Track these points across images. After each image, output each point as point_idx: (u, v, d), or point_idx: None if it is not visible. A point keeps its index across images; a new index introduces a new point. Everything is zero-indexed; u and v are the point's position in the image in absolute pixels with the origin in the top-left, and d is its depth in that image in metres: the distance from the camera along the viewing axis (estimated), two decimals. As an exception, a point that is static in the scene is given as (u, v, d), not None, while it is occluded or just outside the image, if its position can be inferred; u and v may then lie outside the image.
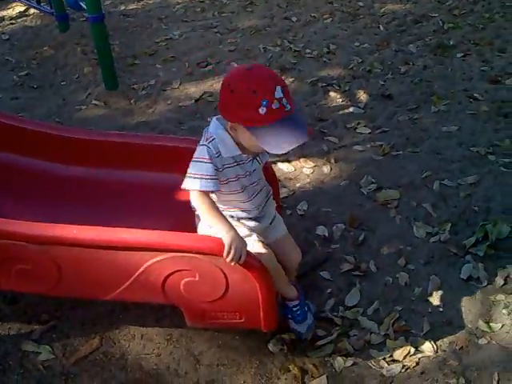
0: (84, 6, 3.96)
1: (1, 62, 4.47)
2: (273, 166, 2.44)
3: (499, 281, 2.18)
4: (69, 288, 1.92)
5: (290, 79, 3.81)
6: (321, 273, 2.30)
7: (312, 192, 2.78)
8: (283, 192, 2.72)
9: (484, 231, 2.34)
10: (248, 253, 1.72)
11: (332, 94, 3.66)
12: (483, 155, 2.91)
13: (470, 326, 2.03)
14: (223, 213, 1.80)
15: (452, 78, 3.75)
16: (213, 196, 1.80)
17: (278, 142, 1.63)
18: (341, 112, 3.46)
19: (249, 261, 1.72)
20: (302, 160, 2.99)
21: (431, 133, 3.16)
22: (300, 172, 2.93)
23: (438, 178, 2.75)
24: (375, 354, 1.97)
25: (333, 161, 2.99)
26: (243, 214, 1.88)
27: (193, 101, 3.70)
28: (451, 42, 4.25)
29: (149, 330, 2.09)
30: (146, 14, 5.26)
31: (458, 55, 4.04)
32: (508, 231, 2.34)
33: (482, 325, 2.03)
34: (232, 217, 1.86)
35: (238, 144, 1.75)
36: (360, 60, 4.08)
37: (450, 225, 2.45)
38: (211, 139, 1.74)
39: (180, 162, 2.23)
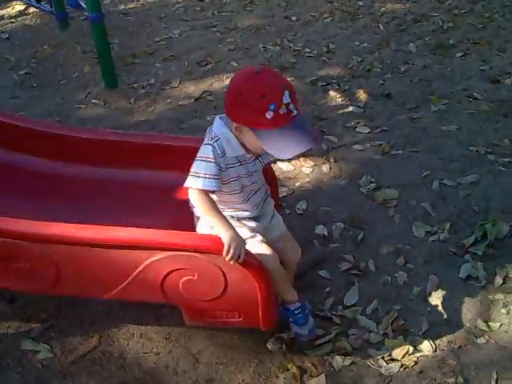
0: (84, 5, 3.95)
1: (0, 61, 4.47)
2: (272, 165, 2.44)
3: (498, 280, 2.18)
4: (67, 287, 1.92)
5: (290, 78, 3.81)
6: (320, 272, 2.30)
7: (311, 191, 2.78)
8: (282, 191, 2.72)
9: (483, 231, 2.34)
10: (247, 252, 1.72)
11: (331, 93, 3.66)
12: (482, 155, 2.91)
13: (468, 325, 2.03)
14: (224, 213, 1.80)
15: (451, 77, 3.75)
16: (213, 196, 1.80)
17: (282, 147, 1.65)
18: (340, 111, 3.46)
19: (248, 260, 1.72)
20: (301, 159, 2.99)
21: (430, 132, 3.16)
22: (299, 171, 2.93)
23: (438, 177, 2.75)
24: (374, 353, 1.97)
25: (332, 160, 2.99)
26: (244, 214, 1.88)
27: (192, 100, 3.70)
28: (451, 42, 4.25)
29: (148, 329, 2.09)
30: (145, 13, 5.26)
31: (458, 55, 4.05)
32: (507, 231, 2.35)
33: (480, 324, 2.03)
34: (232, 217, 1.86)
35: (242, 144, 1.75)
36: (360, 59, 4.08)
37: (449, 224, 2.45)
38: (216, 139, 1.74)
39: (179, 160, 2.24)
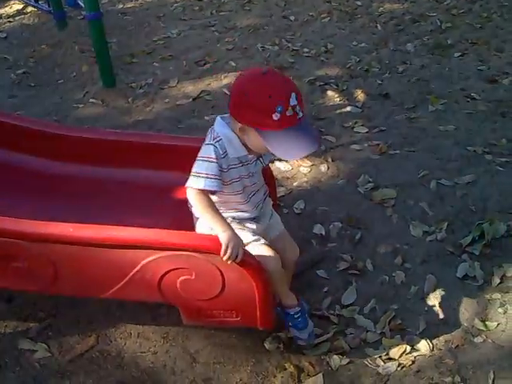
0: (82, 4, 3.95)
1: (-2, 60, 4.47)
2: (270, 164, 2.44)
3: (495, 280, 2.19)
4: (65, 286, 1.92)
5: (288, 78, 3.81)
6: (317, 271, 2.30)
7: (309, 191, 2.78)
8: (280, 191, 2.72)
9: (480, 230, 2.34)
10: (245, 251, 1.72)
11: (330, 93, 3.66)
12: (480, 154, 2.91)
13: (465, 324, 2.04)
14: (224, 214, 1.80)
15: (449, 77, 3.76)
16: (213, 197, 1.79)
17: (287, 149, 1.65)
18: (338, 111, 3.46)
19: (245, 259, 1.72)
20: (299, 159, 2.99)
21: (428, 132, 3.16)
22: (297, 171, 2.93)
23: (435, 177, 2.76)
24: (371, 352, 1.97)
25: (330, 160, 2.99)
26: (244, 215, 1.88)
27: (190, 99, 3.70)
28: (449, 42, 4.25)
29: (145, 328, 2.09)
30: (143, 13, 5.26)
31: (456, 55, 4.05)
32: (504, 230, 2.36)
33: (477, 323, 2.03)
34: (234, 218, 1.86)
35: (245, 145, 1.74)
36: (358, 59, 4.08)
37: (446, 224, 2.46)
38: (218, 139, 1.73)
39: (177, 160, 2.25)
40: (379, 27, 4.61)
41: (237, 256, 1.68)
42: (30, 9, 5.27)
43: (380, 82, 3.75)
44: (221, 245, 1.67)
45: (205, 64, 4.18)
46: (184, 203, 1.88)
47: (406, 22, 4.67)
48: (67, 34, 4.72)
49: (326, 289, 2.22)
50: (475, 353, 1.94)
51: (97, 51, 3.78)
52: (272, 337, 2.01)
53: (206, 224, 1.82)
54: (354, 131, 3.24)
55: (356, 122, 3.31)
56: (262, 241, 1.86)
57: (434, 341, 1.99)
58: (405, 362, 1.92)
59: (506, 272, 2.21)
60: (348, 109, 3.47)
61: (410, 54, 4.13)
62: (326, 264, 2.34)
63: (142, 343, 2.05)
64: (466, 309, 2.10)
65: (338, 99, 3.60)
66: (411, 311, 2.11)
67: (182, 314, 1.91)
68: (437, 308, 2.11)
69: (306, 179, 2.87)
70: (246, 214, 1.88)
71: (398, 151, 3.00)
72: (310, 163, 2.97)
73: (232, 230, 1.71)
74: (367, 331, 2.04)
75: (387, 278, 2.25)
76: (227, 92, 3.73)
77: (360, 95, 3.62)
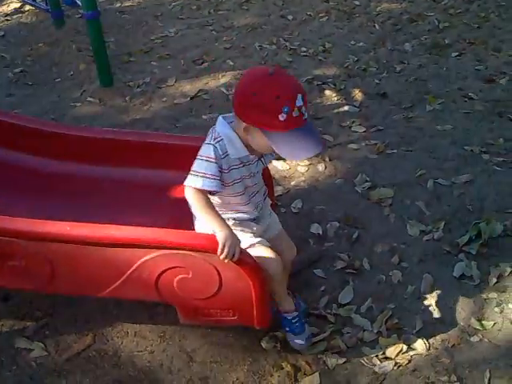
0: (79, 3, 3.95)
1: (-4, 59, 4.46)
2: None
3: (492, 279, 2.19)
4: (62, 285, 1.92)
5: (286, 77, 3.81)
6: (314, 270, 2.30)
7: (306, 190, 2.78)
8: (278, 190, 2.73)
9: (477, 230, 2.35)
10: (242, 250, 1.72)
11: (327, 92, 3.67)
12: (477, 154, 2.92)
13: (462, 323, 2.04)
14: (225, 216, 1.81)
15: (447, 77, 3.76)
16: (215, 198, 1.80)
17: (293, 150, 1.65)
18: (336, 110, 3.47)
19: (242, 258, 1.72)
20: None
21: (426, 131, 3.17)
22: (295, 170, 2.93)
23: (432, 176, 2.76)
24: (368, 351, 1.97)
25: (327, 159, 2.99)
26: (245, 216, 1.88)
27: (188, 98, 3.70)
28: (446, 42, 4.26)
29: (142, 327, 2.09)
30: (141, 12, 5.25)
31: (453, 54, 4.06)
32: (501, 230, 2.36)
33: (474, 323, 2.04)
34: (235, 220, 1.86)
35: (247, 145, 1.73)
36: (355, 59, 4.08)
37: (443, 223, 2.46)
38: (219, 139, 1.72)
39: (175, 159, 2.25)
40: (377, 27, 4.62)
41: (234, 255, 1.68)
42: (27, 7, 5.26)
43: (378, 82, 3.75)
44: (218, 244, 1.67)
45: (202, 63, 4.18)
46: (182, 202, 1.87)
47: (403, 22, 4.68)
48: (65, 33, 4.71)
49: (323, 288, 2.23)
50: (471, 352, 1.94)
51: (94, 50, 3.78)
52: (269, 336, 2.01)
53: (205, 223, 1.82)
54: (351, 130, 3.24)
55: (353, 122, 3.31)
56: (264, 242, 1.86)
57: (431, 340, 1.99)
58: (401, 361, 1.93)
59: (502, 271, 2.22)
60: (346, 108, 3.47)
61: (407, 53, 4.14)
62: (323, 263, 2.34)
63: (139, 342, 2.05)
64: (463, 308, 2.10)
65: (336, 98, 3.60)
66: (408, 310, 2.11)
67: (179, 312, 1.91)
68: (433, 307, 2.11)
69: (303, 178, 2.87)
70: (246, 215, 1.88)
71: (395, 150, 3.01)
72: (307, 162, 2.97)
73: (229, 228, 1.71)
74: (364, 330, 2.04)
75: (384, 277, 2.25)
76: (225, 91, 3.74)
77: (358, 94, 3.62)
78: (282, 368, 1.93)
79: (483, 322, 2.04)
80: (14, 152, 2.44)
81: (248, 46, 4.40)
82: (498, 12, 4.73)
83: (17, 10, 5.31)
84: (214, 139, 1.72)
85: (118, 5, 5.44)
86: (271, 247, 1.87)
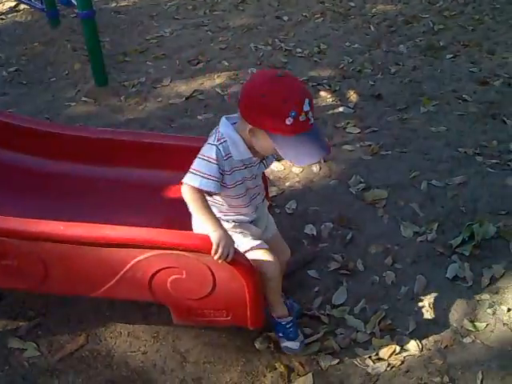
0: (75, 2, 3.94)
1: (-10, 58, 4.45)
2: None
3: (485, 281, 2.20)
4: (55, 285, 1.91)
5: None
6: (308, 271, 2.30)
7: (301, 191, 2.79)
8: (272, 191, 2.73)
9: (470, 231, 2.36)
10: (236, 251, 1.72)
11: (322, 93, 3.67)
12: (471, 156, 2.93)
13: (455, 325, 2.05)
14: (225, 217, 1.81)
15: (441, 78, 3.77)
16: (217, 199, 1.80)
17: (298, 154, 1.65)
18: (330, 111, 3.47)
19: (236, 259, 1.72)
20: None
21: (420, 133, 3.18)
22: (289, 171, 2.94)
23: (426, 178, 2.77)
24: (361, 352, 1.97)
25: (322, 160, 2.99)
26: (244, 218, 1.88)
27: (183, 98, 3.69)
28: (441, 43, 4.27)
29: (135, 328, 2.09)
30: (137, 11, 5.25)
31: (448, 56, 4.07)
32: (494, 231, 2.37)
33: (467, 324, 2.04)
34: (234, 221, 1.86)
35: (250, 147, 1.73)
36: (350, 60, 4.09)
37: (436, 224, 2.47)
38: (223, 141, 1.71)
39: (170, 159, 2.26)
40: (372, 28, 4.63)
41: (228, 255, 1.68)
42: (22, 6, 5.25)
43: (372, 83, 3.76)
44: (211, 244, 1.67)
45: (198, 63, 4.17)
46: (176, 202, 1.87)
47: (398, 24, 4.69)
48: (60, 32, 4.70)
49: (316, 289, 2.23)
50: (464, 353, 1.95)
51: (89, 49, 3.77)
52: (262, 337, 2.01)
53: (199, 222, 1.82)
54: (346, 132, 3.25)
55: (348, 123, 3.32)
56: (264, 245, 1.86)
57: (424, 341, 2.00)
58: (394, 362, 1.93)
59: (495, 273, 2.23)
60: (340, 109, 3.48)
61: (402, 55, 4.15)
62: (317, 264, 2.34)
63: (132, 342, 2.04)
64: (456, 309, 2.11)
65: (331, 100, 3.61)
66: (401, 311, 2.12)
67: (173, 313, 1.91)
68: (426, 308, 2.12)
69: (298, 179, 2.87)
70: (246, 218, 1.88)
71: (389, 152, 3.02)
72: (302, 163, 2.97)
73: (223, 229, 1.71)
74: (357, 331, 2.05)
75: (378, 278, 2.26)
76: (220, 91, 3.74)
77: (352, 96, 3.62)
78: (276, 368, 1.93)
79: (476, 323, 2.05)
80: (8, 151, 2.44)
81: (243, 46, 4.40)
82: (492, 14, 4.75)
83: (12, 9, 5.30)
84: (218, 140, 1.71)
85: (114, 4, 5.44)
86: (270, 250, 1.86)
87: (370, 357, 1.96)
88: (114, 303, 2.13)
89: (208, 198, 1.77)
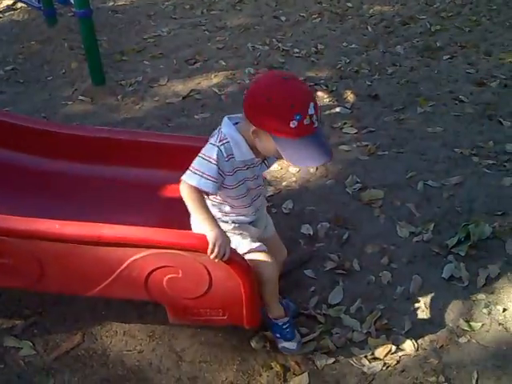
0: (72, 1, 3.93)
1: (-13, 56, 4.44)
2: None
3: (480, 281, 2.20)
4: (51, 283, 1.91)
5: (278, 78, 3.81)
6: (305, 271, 2.30)
7: (298, 191, 2.79)
8: (269, 190, 2.73)
9: (466, 231, 2.36)
10: (232, 250, 1.72)
11: (319, 93, 3.67)
12: (467, 156, 2.94)
13: (450, 324, 2.05)
14: (225, 218, 1.80)
15: (438, 79, 3.79)
16: (218, 199, 1.79)
17: (301, 157, 1.64)
18: (327, 112, 3.47)
19: (232, 258, 1.72)
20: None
21: (416, 134, 3.18)
22: (286, 171, 2.94)
23: (422, 178, 2.78)
24: (357, 351, 1.98)
25: (321, 161, 2.99)
26: (244, 219, 1.88)
27: (180, 98, 3.69)
28: (438, 44, 4.29)
29: (131, 327, 2.09)
30: (134, 11, 5.25)
31: (445, 57, 4.09)
32: (490, 232, 2.37)
33: (462, 324, 2.05)
34: (234, 222, 1.86)
35: (252, 148, 1.72)
36: (348, 60, 4.10)
37: (433, 225, 2.48)
38: (225, 141, 1.70)
39: (166, 158, 2.26)
40: (369, 29, 4.64)
41: (224, 254, 1.68)
42: (19, 5, 5.24)
43: (369, 84, 3.76)
44: (208, 243, 1.67)
45: (195, 63, 4.18)
46: (173, 201, 1.87)
47: (395, 25, 4.70)
48: (57, 31, 4.70)
49: (313, 288, 2.23)
50: (459, 353, 1.95)
51: (86, 48, 3.77)
52: (258, 336, 2.01)
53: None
54: (342, 132, 3.25)
55: (345, 123, 3.32)
56: (263, 247, 1.86)
57: (419, 341, 2.00)
58: (390, 362, 1.93)
59: (490, 273, 2.23)
60: (337, 109, 3.48)
61: (399, 56, 4.16)
62: (314, 264, 2.34)
63: (128, 341, 2.04)
64: (451, 309, 2.11)
65: (328, 100, 3.61)
66: (397, 311, 2.12)
67: (169, 312, 1.90)
68: (422, 308, 2.12)
69: (294, 179, 2.88)
70: (246, 218, 1.88)
71: (386, 152, 3.02)
72: (298, 163, 2.97)
73: (219, 228, 1.71)
74: (353, 331, 2.05)
75: (374, 277, 2.26)
76: (217, 91, 3.74)
77: (349, 96, 3.63)
78: (271, 368, 1.93)
79: (471, 323, 2.05)
80: (4, 150, 2.43)
81: (241, 46, 4.40)
82: (489, 16, 4.77)
83: (9, 8, 5.29)
84: (220, 141, 1.71)
85: (111, 3, 5.44)
86: (268, 252, 1.86)
87: (365, 356, 1.96)
88: (110, 302, 2.13)
89: (209, 197, 1.77)
